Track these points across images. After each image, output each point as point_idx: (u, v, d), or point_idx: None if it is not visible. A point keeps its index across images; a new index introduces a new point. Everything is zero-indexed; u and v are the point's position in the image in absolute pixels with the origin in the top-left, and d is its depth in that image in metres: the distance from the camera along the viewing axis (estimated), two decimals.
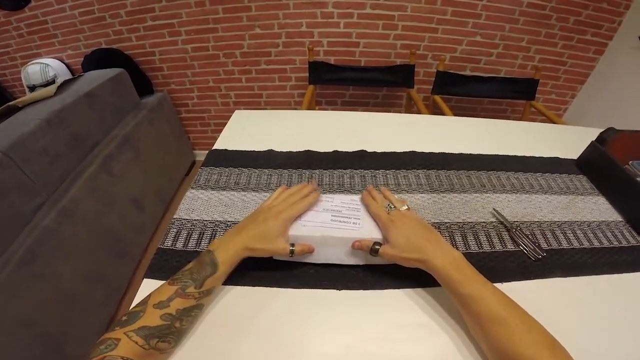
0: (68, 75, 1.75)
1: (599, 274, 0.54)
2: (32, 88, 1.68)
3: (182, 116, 2.00)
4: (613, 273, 0.54)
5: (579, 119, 1.82)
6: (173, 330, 0.39)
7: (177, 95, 1.90)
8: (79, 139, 1.20)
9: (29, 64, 1.70)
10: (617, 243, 0.60)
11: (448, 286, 0.43)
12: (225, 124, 0.90)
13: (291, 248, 0.47)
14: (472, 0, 1.49)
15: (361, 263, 0.50)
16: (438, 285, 0.46)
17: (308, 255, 0.50)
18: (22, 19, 1.65)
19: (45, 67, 1.68)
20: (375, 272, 0.51)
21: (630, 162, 0.79)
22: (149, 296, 0.41)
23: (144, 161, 1.51)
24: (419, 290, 0.50)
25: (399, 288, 0.50)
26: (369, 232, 0.50)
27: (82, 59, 1.68)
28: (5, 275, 0.85)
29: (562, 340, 0.37)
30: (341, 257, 0.50)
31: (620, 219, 0.66)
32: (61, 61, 1.77)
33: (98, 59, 1.65)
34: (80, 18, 1.63)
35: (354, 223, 0.51)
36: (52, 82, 1.67)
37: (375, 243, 0.47)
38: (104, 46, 1.71)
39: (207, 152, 0.78)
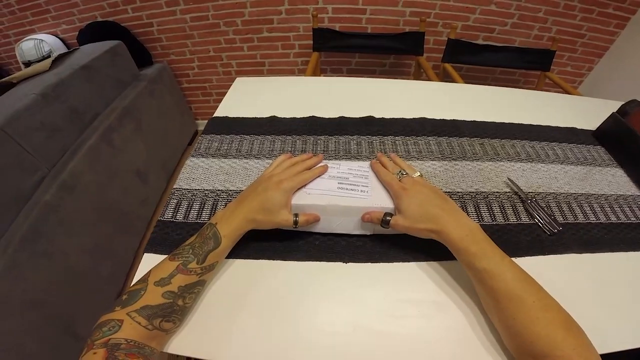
0: (64, 50, 1.70)
1: (616, 251, 0.52)
2: (28, 64, 1.64)
3: (183, 86, 1.96)
4: (630, 250, 0.52)
5: (594, 93, 1.76)
6: (176, 309, 0.37)
7: (178, 66, 1.86)
8: (77, 112, 1.17)
9: (22, 40, 1.65)
10: (634, 219, 0.57)
11: (463, 259, 0.40)
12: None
13: (295, 219, 0.45)
14: None
15: (369, 233, 0.48)
16: (449, 258, 0.44)
17: (314, 224, 0.47)
18: None
19: (40, 42, 1.63)
20: (383, 243, 0.49)
21: None
22: (149, 273, 0.39)
23: (145, 132, 1.49)
24: (430, 263, 0.48)
25: (408, 261, 0.48)
26: (378, 200, 0.47)
27: (77, 33, 1.63)
28: (9, 256, 0.84)
29: (576, 319, 0.35)
30: (348, 227, 0.48)
31: (639, 193, 0.63)
32: (56, 36, 1.72)
33: (94, 32, 1.60)
34: None
35: (361, 191, 0.48)
36: (48, 57, 1.61)
37: (386, 214, 0.45)
38: (99, 19, 1.65)
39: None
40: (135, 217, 1.42)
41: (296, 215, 0.45)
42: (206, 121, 0.75)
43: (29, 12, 1.65)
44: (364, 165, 0.53)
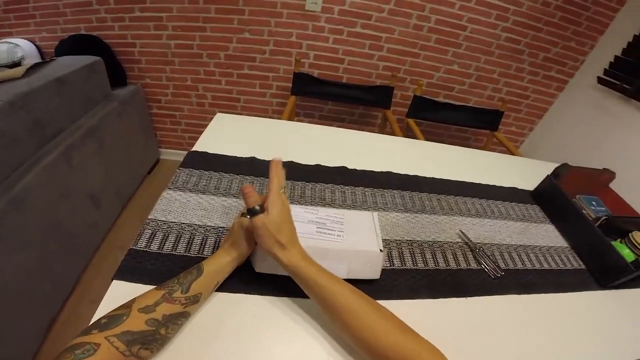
0: (37, 58, 1.64)
1: (547, 292, 0.63)
2: None
3: (152, 112, 1.92)
4: (559, 292, 0.64)
5: (533, 152, 1.97)
6: (157, 337, 0.38)
7: (151, 90, 1.83)
8: (41, 125, 1.12)
9: None
10: (562, 266, 0.71)
11: (301, 277, 0.44)
12: (197, 124, 0.90)
13: (241, 213, 0.49)
14: (456, 30, 1.59)
15: (344, 277, 0.51)
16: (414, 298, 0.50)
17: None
18: None
19: (14, 47, 1.56)
20: (356, 284, 0.52)
21: (577, 196, 0.90)
22: (132, 300, 0.39)
23: (107, 155, 1.44)
24: (395, 302, 0.52)
25: (376, 299, 0.52)
26: (352, 244, 0.52)
27: (58, 43, 1.58)
28: None
29: (515, 347, 0.45)
30: (326, 268, 0.51)
31: (567, 245, 0.77)
32: (33, 43, 1.66)
33: (73, 44, 1.56)
34: (64, 1, 1.54)
35: (338, 235, 0.53)
36: (19, 63, 1.55)
37: (259, 207, 0.45)
38: (82, 32, 1.62)
39: (173, 150, 0.77)
40: (82, 241, 1.34)
41: (245, 212, 0.47)
42: (169, 150, 0.77)
43: (12, 14, 1.59)
44: (340, 212, 0.58)
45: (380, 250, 0.52)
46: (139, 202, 1.76)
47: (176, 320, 0.40)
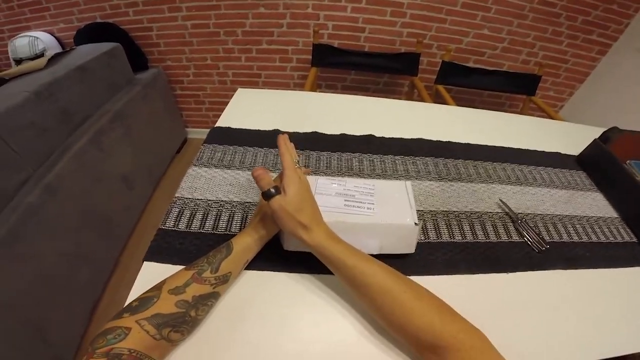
0: (58, 49, 1.66)
1: (596, 268, 0.57)
2: (19, 61, 1.59)
3: (176, 93, 1.94)
4: (608, 267, 0.57)
5: (573, 117, 1.85)
6: (187, 320, 0.37)
7: (173, 72, 1.85)
8: (68, 113, 1.15)
9: (17, 36, 1.61)
10: (612, 239, 0.63)
11: (328, 257, 0.42)
12: (221, 102, 0.88)
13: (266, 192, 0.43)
14: None
15: (375, 252, 0.49)
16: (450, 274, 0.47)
17: None
18: None
19: (35, 40, 1.59)
20: (388, 259, 0.50)
21: (628, 161, 0.81)
22: (163, 281, 0.38)
23: (135, 138, 1.47)
24: (432, 278, 0.50)
25: (410, 275, 0.48)
26: (385, 217, 0.49)
27: (75, 33, 1.60)
28: None
29: (560, 328, 0.39)
30: (355, 244, 0.47)
31: (617, 216, 0.69)
32: (52, 34, 1.69)
33: (92, 33, 1.58)
34: None
35: (368, 208, 0.50)
36: (41, 55, 1.58)
37: (275, 188, 0.43)
38: (98, 20, 1.63)
39: (199, 129, 0.77)
40: (118, 224, 1.38)
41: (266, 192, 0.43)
42: (196, 129, 0.76)
43: (27, 8, 1.62)
44: (370, 183, 0.55)
45: (415, 224, 0.48)
46: (170, 181, 1.80)
47: (206, 301, 0.39)
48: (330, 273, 0.45)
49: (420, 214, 0.61)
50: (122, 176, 1.38)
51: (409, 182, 0.55)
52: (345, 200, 0.51)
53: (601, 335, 0.47)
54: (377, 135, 0.79)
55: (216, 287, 0.40)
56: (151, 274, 0.41)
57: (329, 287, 0.48)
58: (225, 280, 0.41)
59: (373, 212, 0.49)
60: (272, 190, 0.42)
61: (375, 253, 0.48)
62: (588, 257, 0.58)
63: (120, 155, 1.37)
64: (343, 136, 0.78)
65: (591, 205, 0.71)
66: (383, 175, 0.68)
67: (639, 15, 1.52)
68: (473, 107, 1.00)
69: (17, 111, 0.94)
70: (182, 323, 0.36)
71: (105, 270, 1.29)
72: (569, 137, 0.91)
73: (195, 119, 2.06)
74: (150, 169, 1.65)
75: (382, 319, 0.40)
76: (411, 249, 0.50)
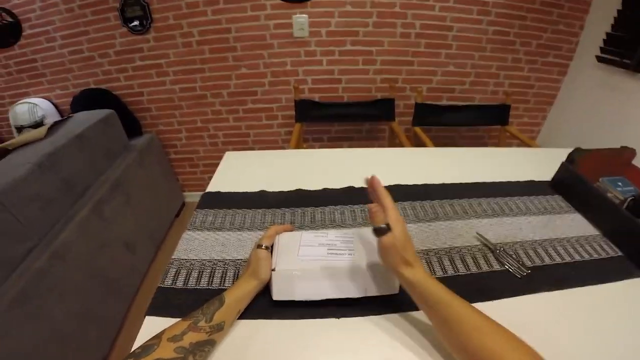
0: (56, 116, 1.75)
1: (584, 285, 0.58)
2: (20, 128, 1.66)
3: (170, 157, 2.00)
4: (598, 283, 0.59)
5: (553, 140, 1.92)
6: None
7: (166, 137, 1.92)
8: (70, 183, 1.19)
9: (17, 103, 1.68)
10: (597, 255, 0.65)
11: (426, 294, 0.44)
12: (214, 164, 0.93)
13: (263, 246, 0.55)
14: (443, 31, 1.61)
15: (360, 295, 0.52)
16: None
17: (309, 293, 0.52)
18: (11, 56, 1.66)
19: (34, 107, 1.66)
20: (374, 299, 0.53)
21: (601, 179, 0.85)
22: (163, 331, 0.42)
23: (134, 204, 1.51)
24: (410, 315, 0.52)
25: (394, 312, 0.53)
26: (364, 260, 0.53)
27: (71, 99, 1.69)
28: None
29: (553, 349, 0.39)
30: (340, 289, 0.52)
31: (598, 233, 0.71)
32: (49, 101, 1.77)
33: (87, 99, 1.66)
34: (69, 57, 1.65)
35: (349, 254, 0.54)
36: (41, 122, 1.66)
37: (386, 224, 0.46)
38: (92, 86, 1.72)
39: (196, 193, 0.82)
40: (124, 285, 1.40)
41: (260, 245, 0.55)
42: (193, 192, 0.81)
43: (25, 74, 1.71)
44: (349, 232, 0.60)
45: None
46: (171, 244, 1.81)
47: (203, 348, 0.43)
48: (318, 317, 0.49)
49: None
50: (124, 242, 1.41)
51: None
52: (328, 249, 0.55)
53: (599, 352, 0.48)
54: (357, 186, 0.84)
55: (211, 334, 0.44)
56: (153, 327, 0.44)
57: (320, 330, 0.50)
58: (219, 328, 0.45)
59: (353, 257, 0.53)
60: (384, 226, 0.46)
61: (361, 296, 0.52)
62: (574, 276, 0.60)
63: (122, 222, 1.41)
64: (325, 191, 0.83)
65: (570, 225, 0.72)
66: (364, 223, 0.72)
67: (586, 31, 1.63)
68: (453, 144, 1.06)
69: (21, 183, 0.99)
70: None
71: (113, 327, 1.31)
72: (542, 162, 0.94)
73: (191, 182, 2.10)
74: (152, 234, 1.68)
75: (454, 345, 0.42)
76: (395, 289, 0.53)
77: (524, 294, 0.56)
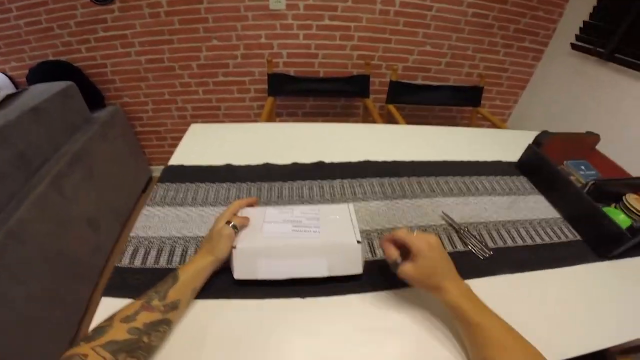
0: (11, 89, 1.61)
1: (542, 269, 0.60)
2: None
3: (136, 130, 1.92)
4: (554, 267, 0.60)
5: (522, 123, 1.97)
6: (141, 345, 0.39)
7: (131, 109, 1.83)
8: (25, 158, 1.12)
9: None
10: (556, 239, 0.67)
11: (458, 314, 0.45)
12: (182, 137, 0.89)
13: (232, 224, 0.51)
14: (422, 10, 1.58)
15: (325, 275, 0.51)
16: (395, 288, 0.50)
17: (272, 272, 0.51)
18: None
19: None
20: (341, 279, 0.53)
21: (565, 162, 0.88)
22: (115, 312, 0.41)
23: (97, 179, 1.44)
24: (376, 294, 0.53)
25: (360, 292, 0.52)
26: (329, 238, 0.52)
27: (27, 71, 1.58)
28: None
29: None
30: (305, 268, 0.51)
31: (559, 216, 0.73)
32: (3, 73, 1.65)
33: (44, 71, 1.55)
34: (25, 29, 1.53)
35: (314, 231, 0.53)
36: None
37: (398, 258, 0.48)
38: (51, 58, 1.61)
39: (163, 167, 0.77)
40: (88, 266, 1.35)
41: (229, 222, 0.51)
42: (160, 167, 0.77)
43: None
44: (315, 208, 0.58)
45: (358, 242, 0.51)
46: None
47: (157, 327, 0.41)
48: (282, 297, 0.49)
49: (367, 232, 0.64)
50: (86, 219, 1.34)
51: (351, 204, 0.59)
52: (293, 226, 0.53)
53: (557, 336, 0.49)
54: (327, 161, 0.83)
55: (166, 313, 0.42)
56: (110, 308, 0.42)
57: (282, 310, 0.50)
58: (174, 307, 0.44)
59: (318, 235, 0.52)
60: (398, 261, 0.48)
61: (325, 275, 0.51)
62: (534, 260, 0.61)
63: (83, 199, 1.34)
64: (294, 165, 0.81)
65: (533, 208, 0.74)
66: (332, 199, 0.71)
67: (564, 19, 1.66)
68: (426, 124, 1.05)
69: None
70: (136, 349, 0.38)
71: (78, 310, 1.27)
72: (510, 144, 0.96)
73: (158, 156, 2.04)
74: (117, 210, 1.61)
75: None
76: (359, 269, 0.52)
77: (485, 276, 0.57)
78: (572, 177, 0.81)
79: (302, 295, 0.51)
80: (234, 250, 0.50)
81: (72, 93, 1.39)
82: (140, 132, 1.94)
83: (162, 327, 0.42)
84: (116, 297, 0.50)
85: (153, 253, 0.57)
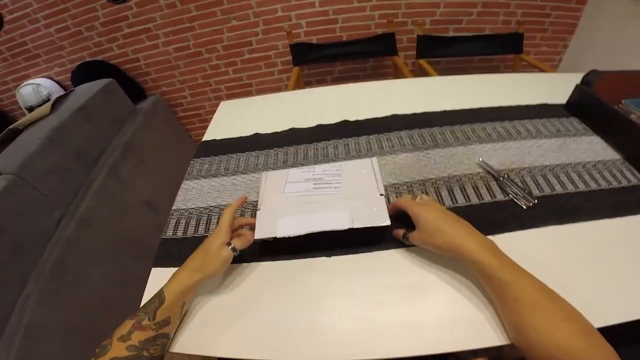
0: (61, 92, 1.76)
1: (599, 219, 0.51)
2: (30, 109, 1.71)
3: (179, 115, 2.02)
4: (614, 217, 0.51)
5: (577, 67, 1.77)
6: (144, 358, 0.41)
7: (171, 97, 1.92)
8: (82, 152, 1.23)
9: (21, 86, 1.72)
10: (616, 183, 0.57)
11: (483, 272, 0.41)
12: None
13: (231, 247, 0.47)
14: None
15: (347, 226, 0.49)
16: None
17: (292, 228, 0.50)
18: (1, 43, 1.67)
19: (37, 87, 1.70)
20: (364, 235, 0.52)
21: (623, 100, 0.78)
22: (114, 331, 0.42)
23: (149, 164, 1.54)
24: (404, 250, 0.51)
25: (386, 249, 0.51)
26: (350, 191, 0.51)
27: (70, 74, 1.70)
28: (42, 286, 0.90)
29: (564, 294, 0.37)
30: (326, 222, 0.50)
31: (618, 157, 0.62)
32: (51, 79, 1.79)
33: (85, 72, 1.66)
34: (57, 35, 1.64)
35: (334, 187, 0.53)
36: (47, 100, 1.69)
37: (406, 231, 0.48)
38: (87, 59, 1.72)
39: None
40: (152, 244, 1.44)
41: (229, 244, 0.47)
42: None
43: (20, 57, 1.73)
44: (337, 165, 0.58)
45: (381, 195, 0.50)
46: None
47: (154, 342, 0.42)
48: (308, 257, 0.49)
49: (396, 186, 0.62)
50: (145, 202, 1.45)
51: (374, 158, 0.57)
52: (314, 184, 0.54)
53: (614, 297, 0.42)
54: (351, 119, 0.81)
55: (159, 330, 0.42)
56: (160, 278, 0.46)
57: (308, 270, 0.50)
58: (165, 323, 0.43)
59: (339, 189, 0.52)
60: (407, 234, 0.49)
61: (348, 227, 0.49)
62: (588, 207, 0.52)
63: (139, 183, 1.45)
64: (318, 127, 0.80)
65: (587, 149, 0.64)
66: (357, 156, 0.70)
67: None
68: (466, 74, 0.97)
69: (36, 157, 1.02)
70: None
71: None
72: (557, 87, 0.84)
73: (203, 137, 2.12)
74: (172, 190, 1.70)
75: (516, 330, 0.39)
76: (386, 220, 0.49)
77: (529, 228, 0.51)
78: (632, 116, 0.72)
79: (329, 254, 0.51)
80: (257, 213, 0.51)
81: (113, 89, 1.48)
82: (182, 117, 2.04)
83: (159, 341, 0.42)
84: (163, 267, 0.54)
85: (193, 223, 0.60)
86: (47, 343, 0.87)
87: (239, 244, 0.48)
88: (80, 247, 1.05)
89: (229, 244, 0.47)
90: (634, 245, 0.48)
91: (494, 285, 0.40)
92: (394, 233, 0.50)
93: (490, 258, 0.40)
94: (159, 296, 0.44)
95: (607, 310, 0.41)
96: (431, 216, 0.45)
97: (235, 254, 0.47)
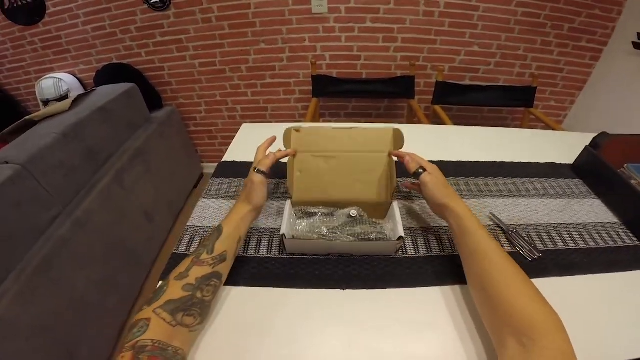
0: (81, 90, 1.80)
1: (594, 273, 0.56)
2: (46, 102, 1.73)
3: (190, 129, 2.05)
4: (608, 272, 0.57)
5: (579, 125, 1.83)
6: (196, 302, 0.42)
7: (186, 109, 1.95)
8: (93, 152, 1.23)
9: (42, 78, 1.74)
10: (612, 243, 0.63)
11: (464, 231, 0.49)
12: (232, 136, 0.94)
13: (256, 170, 0.55)
14: (468, 11, 1.54)
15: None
16: (437, 285, 0.51)
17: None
18: (36, 34, 1.70)
19: (59, 81, 1.72)
20: (377, 271, 0.55)
21: (625, 165, 0.82)
22: (171, 272, 0.44)
23: (154, 174, 1.55)
24: (416, 289, 0.53)
25: (400, 287, 0.53)
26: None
27: (94, 73, 1.74)
28: (22, 282, 0.88)
29: None
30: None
31: (616, 220, 0.68)
32: (74, 76, 1.83)
33: (109, 73, 1.70)
34: (92, 33, 1.69)
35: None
36: (66, 96, 1.71)
37: (421, 167, 0.57)
38: (115, 61, 1.76)
39: (214, 164, 0.83)
40: (142, 254, 1.45)
41: (255, 168, 0.55)
42: (211, 164, 0.82)
43: (50, 50, 1.77)
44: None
45: (400, 237, 0.53)
46: (189, 213, 1.85)
47: (209, 282, 0.44)
48: (322, 288, 0.50)
49: (411, 230, 0.64)
50: (143, 211, 1.46)
51: (396, 202, 0.60)
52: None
53: (605, 342, 0.47)
54: None
55: (215, 266, 0.45)
56: None
57: (321, 302, 0.52)
58: (222, 259, 0.47)
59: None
60: (420, 170, 0.56)
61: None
62: (586, 263, 0.58)
63: (141, 192, 1.45)
64: None
65: (589, 211, 0.70)
66: None
67: (623, 17, 1.54)
68: (475, 125, 1.02)
69: (47, 152, 1.02)
70: (191, 306, 0.41)
71: (131, 295, 1.36)
72: (565, 146, 0.91)
73: (210, 154, 2.15)
74: (170, 203, 1.72)
75: (483, 292, 0.44)
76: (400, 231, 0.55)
77: (533, 278, 0.52)
78: (633, 182, 0.75)
79: (342, 287, 0.53)
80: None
81: (134, 94, 1.50)
82: (193, 132, 2.06)
83: (212, 281, 0.44)
84: None
85: None
86: (13, 342, 0.84)
87: (264, 164, 0.56)
88: (70, 247, 1.03)
89: (255, 169, 0.54)
90: (624, 299, 0.53)
91: (469, 246, 0.48)
92: (410, 166, 0.58)
93: (474, 217, 0.50)
94: (218, 229, 0.48)
95: (603, 353, 0.45)
96: (441, 175, 0.57)
97: (265, 175, 0.54)
